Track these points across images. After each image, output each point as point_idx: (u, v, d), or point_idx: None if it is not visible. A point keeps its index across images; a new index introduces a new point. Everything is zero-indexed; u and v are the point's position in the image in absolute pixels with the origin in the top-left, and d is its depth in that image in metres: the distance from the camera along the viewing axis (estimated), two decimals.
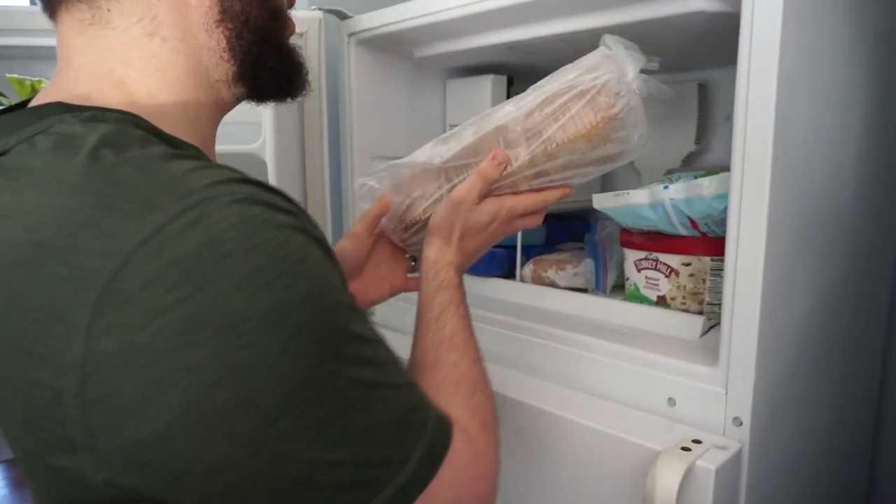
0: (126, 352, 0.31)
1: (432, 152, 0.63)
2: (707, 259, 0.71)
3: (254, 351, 0.32)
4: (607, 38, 0.57)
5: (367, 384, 0.36)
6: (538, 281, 0.89)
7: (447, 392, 0.47)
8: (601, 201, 0.77)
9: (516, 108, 0.58)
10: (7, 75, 0.86)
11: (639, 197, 0.73)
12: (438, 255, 0.56)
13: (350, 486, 0.35)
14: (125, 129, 0.37)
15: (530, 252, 0.93)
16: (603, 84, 0.54)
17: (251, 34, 0.45)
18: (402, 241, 0.67)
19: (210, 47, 0.43)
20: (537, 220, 0.61)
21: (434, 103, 1.06)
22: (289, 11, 0.49)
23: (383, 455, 0.37)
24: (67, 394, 0.31)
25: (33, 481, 0.39)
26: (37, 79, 0.87)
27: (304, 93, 0.51)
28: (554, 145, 0.56)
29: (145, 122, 0.39)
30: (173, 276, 0.31)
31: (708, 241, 0.71)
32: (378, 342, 0.39)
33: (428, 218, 0.61)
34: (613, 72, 0.55)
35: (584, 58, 0.57)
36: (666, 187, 0.70)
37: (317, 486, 0.35)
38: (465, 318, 0.53)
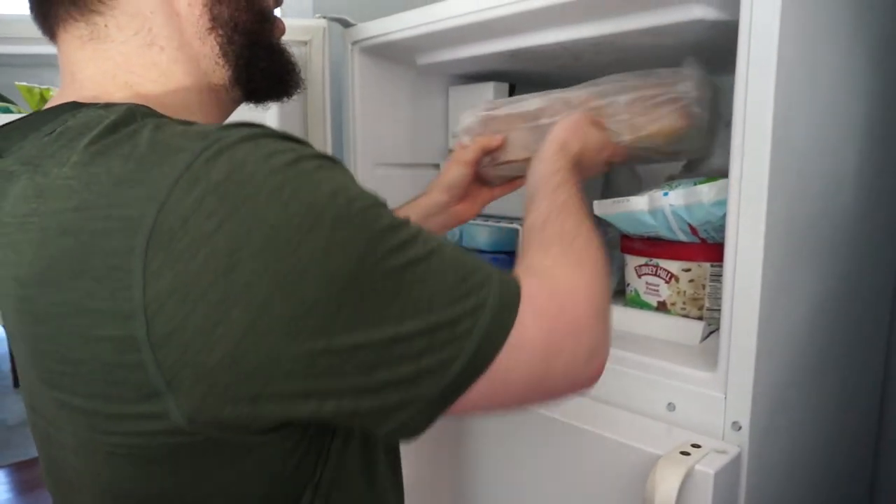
0: (183, 285, 0.32)
1: (529, 102, 0.78)
2: (707, 265, 0.71)
3: (300, 255, 0.33)
4: (691, 60, 0.69)
5: (416, 260, 0.37)
6: None
7: (551, 246, 0.48)
8: (601, 208, 0.78)
9: (613, 89, 0.71)
10: (16, 83, 0.88)
11: (639, 204, 0.73)
12: (558, 153, 0.61)
13: (432, 349, 0.36)
14: (139, 108, 0.39)
15: None
16: (694, 98, 0.68)
17: (241, 38, 0.47)
18: (489, 174, 0.82)
19: (205, 54, 0.46)
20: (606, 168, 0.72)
21: (436, 110, 1.07)
22: (276, 13, 0.51)
23: (454, 314, 0.37)
24: (138, 340, 0.33)
25: (96, 448, 0.39)
26: (45, 87, 0.89)
27: (298, 91, 0.53)
28: (644, 133, 0.69)
29: (154, 110, 0.41)
30: (210, 203, 0.33)
31: (708, 247, 0.71)
32: (407, 224, 0.39)
33: (518, 160, 0.77)
34: (698, 89, 0.68)
35: (673, 70, 0.70)
36: (666, 194, 0.71)
37: (398, 361, 0.36)
38: (579, 197, 0.55)
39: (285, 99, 0.52)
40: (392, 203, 0.43)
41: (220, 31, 0.46)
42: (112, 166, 0.35)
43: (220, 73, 0.47)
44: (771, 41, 0.54)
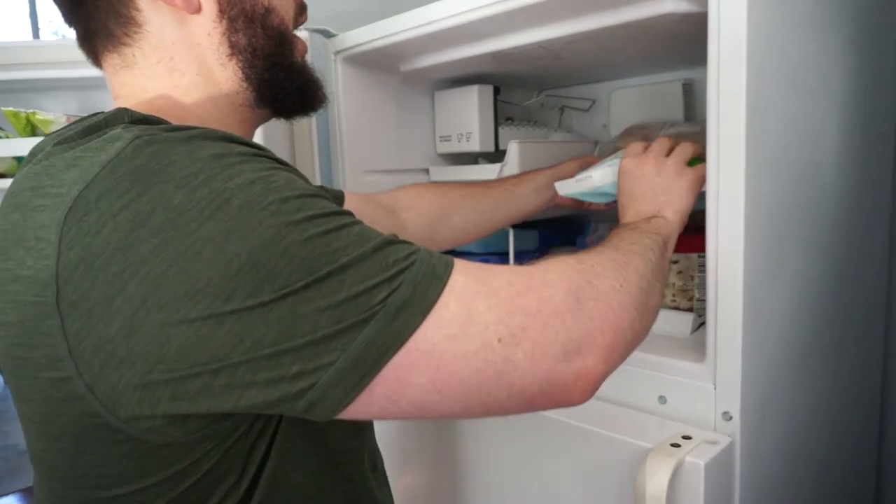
0: (89, 256, 0.34)
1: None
2: (695, 256, 0.71)
3: (198, 236, 0.34)
4: None
5: (334, 252, 0.36)
6: None
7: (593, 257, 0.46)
8: (565, 189, 0.75)
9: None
10: (3, 108, 0.89)
11: (605, 177, 0.71)
12: (674, 225, 0.61)
13: (338, 320, 0.35)
14: (127, 111, 0.42)
15: (523, 258, 0.94)
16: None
17: (262, 62, 0.50)
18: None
19: (228, 78, 0.49)
20: None
21: (422, 115, 1.08)
22: (295, 32, 0.54)
23: (367, 286, 0.35)
24: (49, 306, 0.35)
25: (22, 414, 0.42)
26: (31, 111, 0.90)
27: (323, 105, 0.57)
28: None
29: (152, 116, 0.44)
30: (124, 184, 0.35)
31: (695, 237, 0.71)
32: (337, 216, 0.38)
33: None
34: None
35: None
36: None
37: (301, 335, 0.34)
38: (651, 244, 0.53)
39: (312, 114, 0.56)
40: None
41: (241, 57, 0.49)
42: (67, 155, 0.38)
43: (244, 94, 0.50)
44: (739, 30, 0.54)
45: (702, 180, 0.63)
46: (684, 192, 0.63)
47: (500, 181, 0.86)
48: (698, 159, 0.66)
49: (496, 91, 1.02)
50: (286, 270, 0.34)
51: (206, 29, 0.48)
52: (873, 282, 0.86)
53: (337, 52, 0.97)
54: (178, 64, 0.48)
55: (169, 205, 0.34)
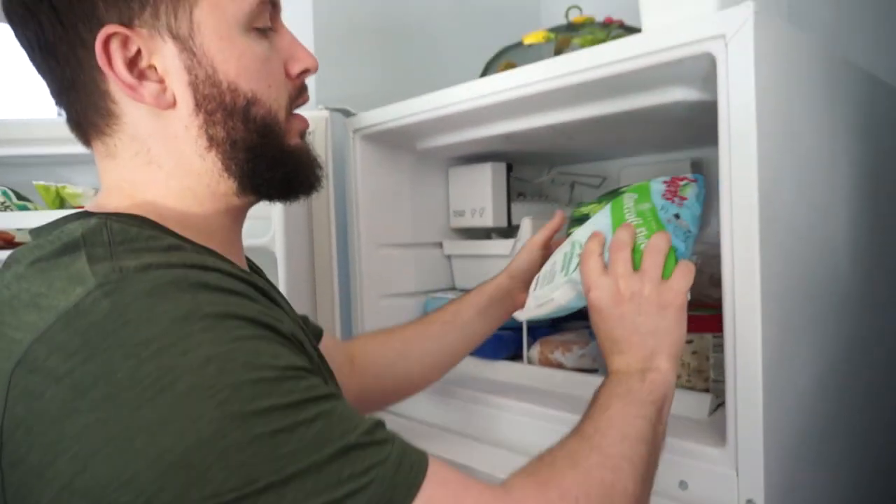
0: (29, 419, 0.33)
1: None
2: (709, 336, 0.71)
3: (132, 422, 0.32)
4: None
5: (272, 460, 0.33)
6: (546, 363, 0.89)
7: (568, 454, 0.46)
8: (526, 314, 0.69)
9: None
10: (34, 182, 0.92)
11: (565, 295, 0.63)
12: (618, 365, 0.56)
13: None
14: (107, 223, 0.42)
15: (536, 333, 0.94)
16: None
17: (243, 153, 0.48)
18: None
19: (207, 169, 0.48)
20: None
21: (437, 190, 1.10)
22: (312, 111, 0.52)
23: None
24: None
25: None
26: (61, 185, 0.93)
27: (314, 190, 0.53)
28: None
29: (146, 219, 0.44)
30: (74, 343, 0.33)
31: (708, 317, 0.71)
32: (305, 406, 0.35)
33: None
34: None
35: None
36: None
37: None
38: (633, 412, 0.51)
39: (304, 198, 0.53)
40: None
41: (220, 149, 0.47)
42: (33, 287, 0.37)
43: (224, 184, 0.48)
44: (749, 120, 0.56)
45: (684, 297, 0.56)
46: (673, 329, 0.55)
47: (437, 314, 0.79)
48: (671, 256, 0.58)
49: (509, 168, 1.05)
50: (219, 476, 0.31)
51: (183, 122, 0.46)
52: (890, 356, 0.85)
53: (355, 131, 1.00)
54: (156, 156, 0.47)
55: (112, 378, 0.32)
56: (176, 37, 0.45)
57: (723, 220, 0.58)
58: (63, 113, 0.48)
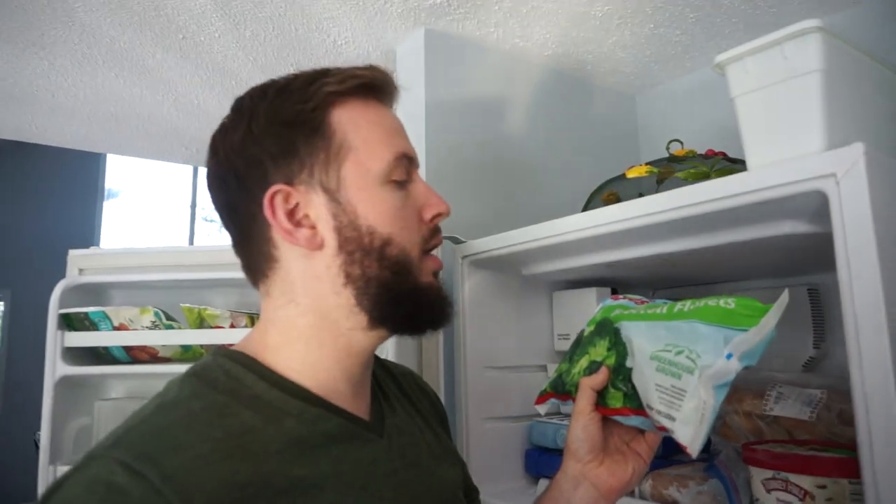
0: None
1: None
2: (845, 482, 0.66)
3: None
4: None
5: None
6: (658, 498, 0.84)
7: None
8: (694, 446, 0.53)
9: None
10: (181, 305, 1.04)
11: (710, 394, 0.53)
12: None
13: None
14: (210, 372, 0.51)
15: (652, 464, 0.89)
16: None
17: (376, 289, 0.53)
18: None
19: (340, 304, 0.53)
20: None
21: (541, 314, 1.13)
22: (432, 253, 0.56)
23: None
24: None
25: None
26: (203, 307, 1.04)
27: (442, 326, 0.56)
28: None
29: (254, 361, 0.52)
30: None
31: (843, 460, 0.66)
32: None
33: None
34: None
35: None
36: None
37: None
38: None
39: (431, 333, 0.56)
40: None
41: (354, 286, 0.52)
42: (80, 465, 0.43)
43: (353, 319, 0.53)
44: (870, 250, 0.55)
45: None
46: None
47: None
48: None
49: (613, 291, 1.06)
50: None
51: (326, 262, 0.52)
52: None
53: (464, 257, 1.06)
54: (297, 295, 0.53)
55: None
56: (326, 190, 0.53)
57: (850, 350, 0.56)
58: (240, 260, 0.57)
